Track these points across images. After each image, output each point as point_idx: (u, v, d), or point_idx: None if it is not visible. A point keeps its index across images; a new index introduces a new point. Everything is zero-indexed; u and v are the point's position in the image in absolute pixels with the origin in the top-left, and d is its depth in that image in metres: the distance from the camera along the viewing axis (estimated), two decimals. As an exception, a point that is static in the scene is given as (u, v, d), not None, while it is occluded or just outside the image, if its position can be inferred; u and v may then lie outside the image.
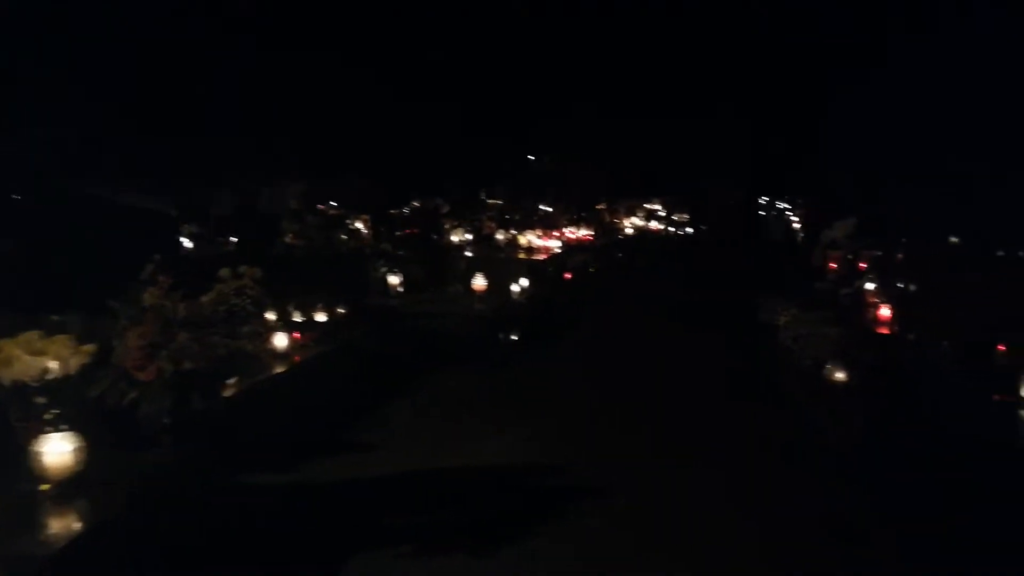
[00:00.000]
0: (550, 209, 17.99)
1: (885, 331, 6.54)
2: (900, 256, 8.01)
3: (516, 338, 8.01)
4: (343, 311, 6.62)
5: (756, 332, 8.11)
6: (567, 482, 4.46)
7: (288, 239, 8.82)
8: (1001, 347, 5.31)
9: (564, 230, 15.61)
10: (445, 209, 12.55)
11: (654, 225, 21.98)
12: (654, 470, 4.68)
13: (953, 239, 9.89)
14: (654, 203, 23.35)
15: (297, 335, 5.74)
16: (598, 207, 20.85)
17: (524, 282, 9.38)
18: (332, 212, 12.15)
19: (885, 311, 6.47)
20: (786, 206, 22.90)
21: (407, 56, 14.71)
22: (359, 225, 11.59)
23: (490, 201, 16.37)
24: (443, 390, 6.25)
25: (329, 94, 12.23)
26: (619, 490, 4.30)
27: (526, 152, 20.31)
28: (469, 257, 10.37)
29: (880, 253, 8.24)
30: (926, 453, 4.44)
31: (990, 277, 6.67)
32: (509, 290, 9.06)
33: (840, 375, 5.90)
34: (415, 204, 13.02)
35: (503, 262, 10.53)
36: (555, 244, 13.50)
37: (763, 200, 25.28)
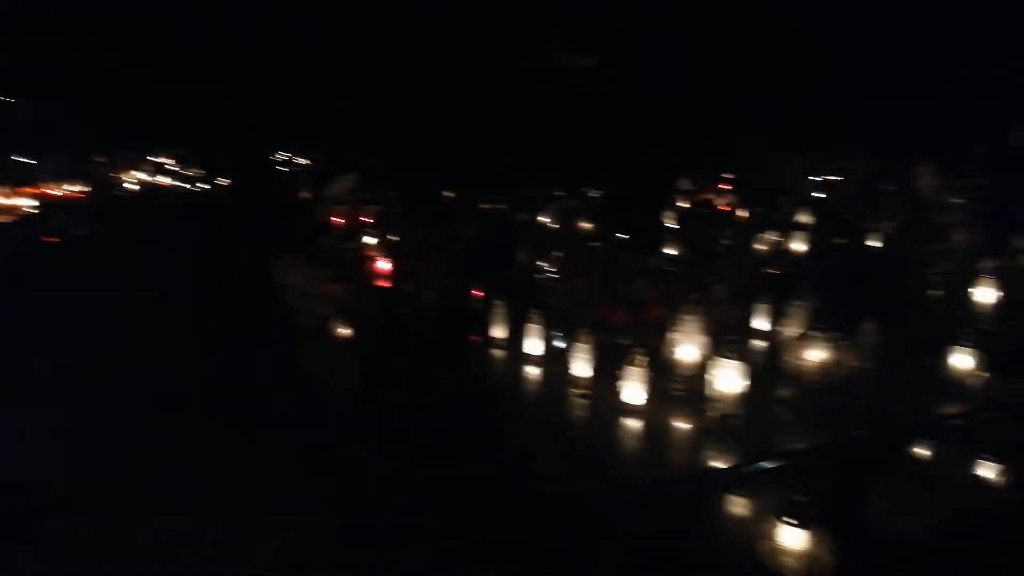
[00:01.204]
0: (32, 162, 15.18)
1: (384, 284, 6.79)
2: (395, 211, 8.45)
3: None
4: None
5: (267, 292, 7.83)
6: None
7: None
8: (476, 293, 5.88)
9: (45, 186, 13.23)
10: None
11: (164, 180, 20.08)
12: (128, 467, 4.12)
13: (448, 194, 10.80)
14: (164, 156, 21.33)
15: None
16: (96, 160, 18.25)
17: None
18: None
19: (383, 265, 6.72)
20: (305, 162, 23.00)
21: None
22: None
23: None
24: None
25: None
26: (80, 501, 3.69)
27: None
28: None
29: (381, 208, 8.57)
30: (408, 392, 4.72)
31: (463, 227, 7.40)
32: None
33: (343, 330, 5.99)
34: None
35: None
36: (29, 203, 11.33)
37: (282, 156, 24.99)
